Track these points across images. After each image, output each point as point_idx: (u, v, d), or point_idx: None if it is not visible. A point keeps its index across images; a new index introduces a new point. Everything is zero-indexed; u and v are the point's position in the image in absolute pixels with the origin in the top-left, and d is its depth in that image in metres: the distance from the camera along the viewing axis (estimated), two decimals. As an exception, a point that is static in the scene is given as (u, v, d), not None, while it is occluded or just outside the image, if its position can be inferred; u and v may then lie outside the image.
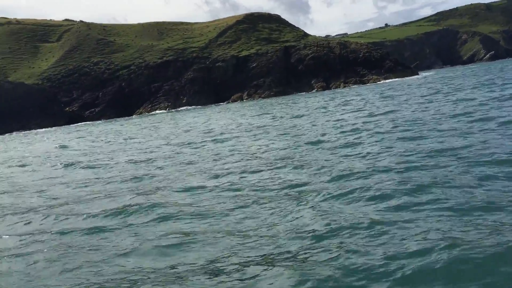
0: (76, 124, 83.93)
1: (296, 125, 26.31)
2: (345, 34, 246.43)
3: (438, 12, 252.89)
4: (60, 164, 21.10)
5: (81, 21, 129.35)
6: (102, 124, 73.31)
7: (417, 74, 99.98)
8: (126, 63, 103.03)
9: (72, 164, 20.46)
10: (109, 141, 32.66)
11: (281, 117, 34.43)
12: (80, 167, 19.07)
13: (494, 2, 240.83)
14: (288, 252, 6.73)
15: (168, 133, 32.96)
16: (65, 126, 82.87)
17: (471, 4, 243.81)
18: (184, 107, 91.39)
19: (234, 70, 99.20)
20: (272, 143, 19.20)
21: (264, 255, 6.73)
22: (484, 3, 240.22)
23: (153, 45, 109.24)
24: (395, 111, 25.21)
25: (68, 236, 8.77)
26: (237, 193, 10.61)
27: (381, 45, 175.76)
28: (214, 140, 23.30)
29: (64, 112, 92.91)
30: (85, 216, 10.05)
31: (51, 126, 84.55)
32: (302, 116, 32.18)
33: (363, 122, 22.13)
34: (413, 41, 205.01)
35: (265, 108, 52.46)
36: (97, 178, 15.44)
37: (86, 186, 14.10)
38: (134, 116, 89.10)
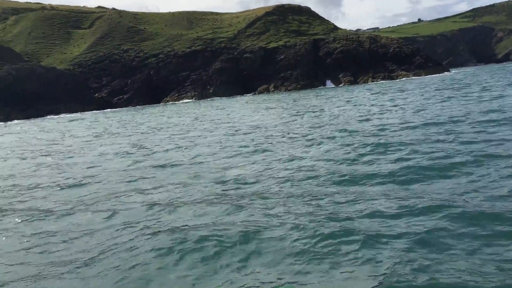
0: (105, 110, 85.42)
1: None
2: (377, 28, 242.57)
3: (474, 8, 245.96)
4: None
5: (114, 9, 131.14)
6: (134, 110, 74.19)
7: (448, 71, 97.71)
8: (155, 51, 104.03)
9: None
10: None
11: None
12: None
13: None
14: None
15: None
16: (94, 111, 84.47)
17: (509, 0, 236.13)
18: (210, 98, 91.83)
19: (262, 61, 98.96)
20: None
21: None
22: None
23: (182, 34, 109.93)
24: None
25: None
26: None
27: (413, 41, 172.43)
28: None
29: (94, 98, 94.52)
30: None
31: (81, 111, 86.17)
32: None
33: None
34: (447, 37, 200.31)
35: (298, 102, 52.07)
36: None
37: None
38: (161, 104, 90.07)
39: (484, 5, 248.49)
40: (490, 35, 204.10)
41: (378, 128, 18.49)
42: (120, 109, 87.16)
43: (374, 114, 25.12)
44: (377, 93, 47.80)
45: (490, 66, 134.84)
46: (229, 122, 29.83)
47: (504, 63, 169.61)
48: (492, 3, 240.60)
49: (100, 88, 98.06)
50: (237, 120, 31.34)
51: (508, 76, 53.64)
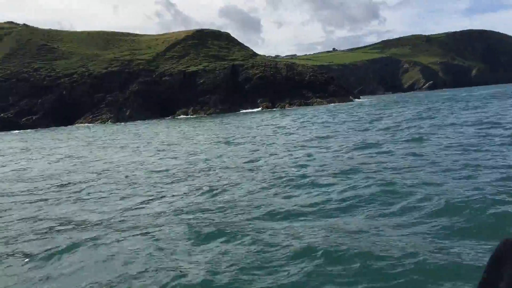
0: (12, 132, 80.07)
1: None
2: (294, 55, 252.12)
3: (382, 41, 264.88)
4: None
5: (25, 25, 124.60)
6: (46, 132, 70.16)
7: (359, 99, 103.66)
8: (69, 71, 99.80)
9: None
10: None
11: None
12: None
13: (433, 35, 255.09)
14: None
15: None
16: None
17: (413, 35, 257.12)
18: (127, 121, 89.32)
19: (181, 85, 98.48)
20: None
21: None
22: (424, 35, 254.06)
23: (98, 54, 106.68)
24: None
25: None
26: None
27: (328, 69, 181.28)
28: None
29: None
30: None
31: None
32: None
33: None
34: (358, 67, 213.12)
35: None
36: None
37: None
38: (73, 126, 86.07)
39: (391, 38, 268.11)
40: (397, 66, 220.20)
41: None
42: (29, 130, 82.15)
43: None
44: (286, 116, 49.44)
45: (394, 96, 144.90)
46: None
47: (409, 92, 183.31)
48: (399, 37, 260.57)
49: (6, 107, 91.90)
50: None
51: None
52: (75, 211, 12.14)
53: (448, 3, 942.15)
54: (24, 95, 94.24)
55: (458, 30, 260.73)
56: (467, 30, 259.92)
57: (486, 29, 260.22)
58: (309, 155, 19.19)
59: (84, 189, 15.51)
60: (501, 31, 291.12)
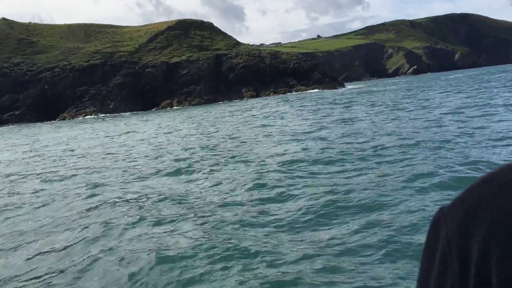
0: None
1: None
2: (279, 43, 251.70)
3: (366, 26, 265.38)
4: None
5: (4, 19, 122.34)
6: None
7: (343, 87, 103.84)
8: (50, 65, 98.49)
9: None
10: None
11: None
12: None
13: (417, 19, 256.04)
14: None
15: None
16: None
17: (397, 20, 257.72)
18: (111, 114, 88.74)
19: (165, 76, 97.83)
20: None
21: None
22: (408, 20, 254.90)
23: (79, 47, 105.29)
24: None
25: None
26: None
27: (313, 56, 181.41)
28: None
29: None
30: None
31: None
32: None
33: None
34: (343, 53, 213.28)
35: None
36: None
37: None
38: (56, 121, 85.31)
39: (376, 23, 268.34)
40: (382, 52, 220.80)
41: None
42: (11, 125, 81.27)
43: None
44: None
45: (379, 81, 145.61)
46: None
47: (394, 77, 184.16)
48: (382, 22, 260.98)
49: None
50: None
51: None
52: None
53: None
54: (5, 91, 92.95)
55: (441, 14, 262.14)
56: (450, 14, 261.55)
57: (468, 12, 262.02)
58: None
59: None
60: (483, 15, 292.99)
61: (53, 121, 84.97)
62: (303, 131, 23.36)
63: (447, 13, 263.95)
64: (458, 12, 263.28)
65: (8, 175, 18.89)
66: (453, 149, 13.94)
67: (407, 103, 36.27)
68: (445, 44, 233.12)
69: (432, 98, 38.51)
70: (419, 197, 9.33)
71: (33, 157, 25.11)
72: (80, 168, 18.49)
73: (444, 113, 24.87)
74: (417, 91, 55.04)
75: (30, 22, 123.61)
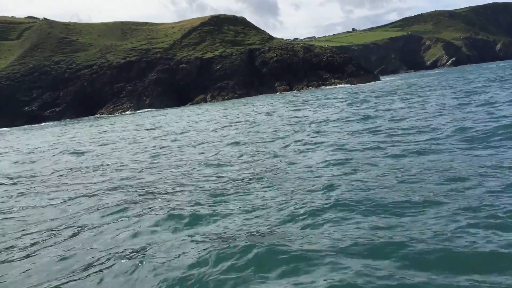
0: (38, 124, 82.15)
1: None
2: (313, 37, 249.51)
3: (403, 18, 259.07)
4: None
5: (45, 19, 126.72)
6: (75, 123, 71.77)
7: (379, 80, 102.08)
8: (89, 62, 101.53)
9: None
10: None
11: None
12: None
13: (456, 9, 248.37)
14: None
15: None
16: (25, 126, 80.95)
17: (435, 10, 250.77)
18: (146, 109, 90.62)
19: (198, 71, 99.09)
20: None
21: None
22: (447, 10, 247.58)
23: (116, 45, 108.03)
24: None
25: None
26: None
27: (348, 49, 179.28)
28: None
29: (23, 112, 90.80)
30: None
31: (9, 126, 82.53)
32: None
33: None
34: (379, 46, 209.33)
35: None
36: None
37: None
38: (95, 116, 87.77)
39: (412, 14, 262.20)
40: (419, 43, 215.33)
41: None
42: (54, 122, 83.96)
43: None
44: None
45: (417, 74, 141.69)
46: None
47: (432, 69, 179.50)
48: (420, 13, 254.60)
49: (30, 101, 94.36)
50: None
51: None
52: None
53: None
54: (47, 88, 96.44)
55: (481, 4, 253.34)
56: (491, 3, 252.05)
57: (510, 1, 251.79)
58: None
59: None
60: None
61: (91, 117, 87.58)
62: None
63: (487, 2, 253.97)
64: (499, 1, 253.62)
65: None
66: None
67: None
68: (486, 34, 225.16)
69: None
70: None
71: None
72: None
73: None
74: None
75: (69, 22, 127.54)
